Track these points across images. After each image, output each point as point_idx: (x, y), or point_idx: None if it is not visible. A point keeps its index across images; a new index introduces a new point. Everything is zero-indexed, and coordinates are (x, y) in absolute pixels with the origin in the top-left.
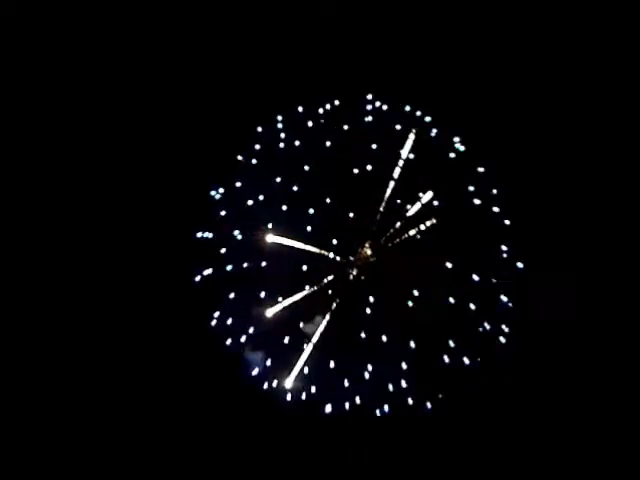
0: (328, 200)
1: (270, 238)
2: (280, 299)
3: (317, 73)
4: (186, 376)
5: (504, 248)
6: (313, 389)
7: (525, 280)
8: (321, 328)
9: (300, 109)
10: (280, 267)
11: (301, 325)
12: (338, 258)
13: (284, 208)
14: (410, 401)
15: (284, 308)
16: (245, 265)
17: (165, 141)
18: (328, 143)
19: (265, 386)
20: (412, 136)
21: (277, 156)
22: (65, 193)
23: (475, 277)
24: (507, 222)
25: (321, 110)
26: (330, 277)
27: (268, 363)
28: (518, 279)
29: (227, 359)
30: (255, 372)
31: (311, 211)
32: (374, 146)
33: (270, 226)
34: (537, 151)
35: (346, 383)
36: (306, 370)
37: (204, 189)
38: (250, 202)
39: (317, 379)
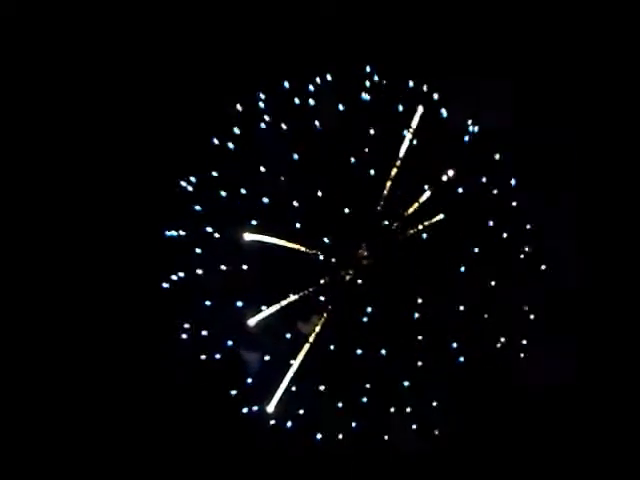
0: (319, 193)
1: (252, 236)
2: (264, 307)
3: (306, 42)
4: (151, 400)
5: (526, 249)
6: (301, 412)
7: (550, 285)
8: (318, 328)
9: (286, 85)
10: (264, 270)
11: (297, 324)
12: (333, 260)
13: (268, 202)
14: (414, 427)
15: (268, 317)
16: (223, 268)
17: (126, 122)
18: (319, 125)
19: (244, 410)
20: (418, 116)
21: (259, 140)
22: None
23: (491, 282)
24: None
25: (311, 86)
26: (321, 282)
27: (248, 381)
28: (542, 284)
29: (200, 378)
30: (232, 392)
31: (300, 205)
32: (372, 130)
33: (252, 223)
34: (566, 134)
35: (340, 406)
36: (293, 390)
37: (173, 179)
38: (228, 195)
39: (306, 401)
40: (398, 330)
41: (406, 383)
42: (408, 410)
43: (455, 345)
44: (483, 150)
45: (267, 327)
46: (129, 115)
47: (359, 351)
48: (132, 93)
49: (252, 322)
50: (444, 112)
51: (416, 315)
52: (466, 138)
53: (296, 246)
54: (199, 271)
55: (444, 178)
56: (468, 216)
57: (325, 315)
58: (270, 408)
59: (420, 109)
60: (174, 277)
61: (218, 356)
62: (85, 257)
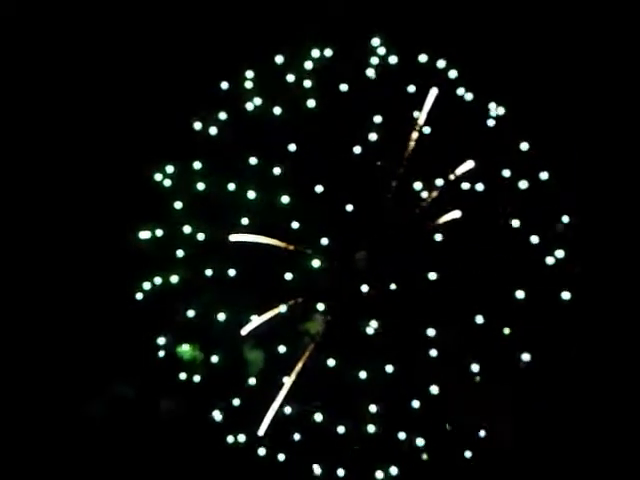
0: (318, 187)
1: (241, 237)
2: (254, 316)
3: (301, 8)
4: (124, 428)
5: (559, 254)
6: (296, 437)
7: (585, 296)
8: (321, 329)
9: (279, 60)
10: (253, 275)
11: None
12: (334, 264)
13: (259, 197)
14: (424, 457)
15: (259, 327)
16: (208, 273)
17: (93, 104)
18: (315, 106)
19: (230, 439)
20: (431, 98)
21: (248, 126)
22: None
23: (515, 292)
24: (565, 219)
25: (308, 63)
26: (321, 288)
27: (235, 403)
28: (575, 294)
29: (180, 401)
30: (218, 417)
31: (295, 201)
32: (378, 116)
33: (242, 222)
34: (603, 119)
35: (341, 430)
36: (287, 411)
37: (146, 171)
38: (212, 189)
39: (301, 426)
40: (407, 345)
41: (416, 404)
42: (419, 440)
43: (474, 364)
44: (507, 138)
45: (259, 338)
46: (93, 95)
47: (363, 370)
48: (98, 70)
49: (243, 332)
50: (463, 93)
51: (428, 329)
52: (489, 123)
53: (292, 248)
54: (175, 278)
55: (461, 170)
56: (489, 215)
57: (329, 317)
58: (261, 431)
59: (434, 90)
60: (147, 285)
61: (198, 378)
62: (42, 264)
